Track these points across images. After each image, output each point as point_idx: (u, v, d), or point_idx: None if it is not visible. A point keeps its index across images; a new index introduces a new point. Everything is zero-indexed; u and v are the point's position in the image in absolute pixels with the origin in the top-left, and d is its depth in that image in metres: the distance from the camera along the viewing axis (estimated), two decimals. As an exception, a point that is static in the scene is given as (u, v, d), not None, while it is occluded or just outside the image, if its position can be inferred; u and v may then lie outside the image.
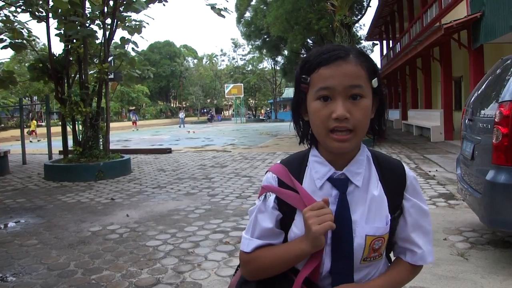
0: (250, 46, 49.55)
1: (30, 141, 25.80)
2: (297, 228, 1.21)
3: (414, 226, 1.25)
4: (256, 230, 1.25)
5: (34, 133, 26.90)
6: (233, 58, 74.65)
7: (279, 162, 1.33)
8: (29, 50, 13.65)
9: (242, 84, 60.77)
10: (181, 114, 49.66)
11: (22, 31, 10.30)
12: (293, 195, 1.22)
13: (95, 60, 11.19)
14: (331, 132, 1.13)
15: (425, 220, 1.27)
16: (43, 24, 10.77)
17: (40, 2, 9.91)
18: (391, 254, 1.36)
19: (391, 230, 1.23)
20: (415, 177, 1.30)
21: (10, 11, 10.46)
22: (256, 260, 1.24)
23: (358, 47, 27.53)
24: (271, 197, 1.25)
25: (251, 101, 74.25)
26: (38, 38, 13.88)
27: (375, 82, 1.17)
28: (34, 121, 28.99)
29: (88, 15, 10.45)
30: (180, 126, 44.19)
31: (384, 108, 1.25)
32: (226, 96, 66.06)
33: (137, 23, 10.86)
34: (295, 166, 1.29)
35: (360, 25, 38.33)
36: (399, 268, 1.28)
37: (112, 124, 42.59)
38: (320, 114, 1.14)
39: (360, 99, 1.13)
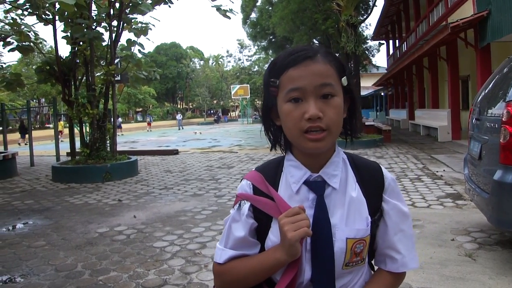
0: (256, 47, 49.53)
1: (62, 141, 25.93)
2: (274, 236, 1.16)
3: (395, 230, 1.21)
4: (230, 240, 1.22)
5: (61, 133, 27.07)
6: (239, 59, 74.74)
7: (254, 169, 1.30)
8: (36, 53, 13.77)
9: (248, 85, 60.71)
10: (179, 116, 49.85)
11: (29, 34, 10.37)
12: (269, 202, 1.18)
13: (101, 62, 11.25)
14: (305, 133, 1.10)
15: (406, 223, 1.23)
16: (50, 26, 10.86)
17: (47, 5, 9.97)
18: (373, 262, 1.32)
19: (372, 234, 1.19)
20: (393, 179, 1.26)
21: (17, 14, 10.54)
22: (229, 271, 1.20)
23: (364, 47, 27.46)
24: (246, 205, 1.21)
25: (257, 102, 74.26)
26: (45, 41, 14.04)
27: (344, 80, 1.15)
28: (62, 122, 28.99)
29: (95, 18, 10.50)
30: (179, 128, 44.40)
31: (355, 106, 1.23)
32: (232, 97, 66.09)
33: (143, 25, 10.90)
34: (271, 172, 1.26)
35: (366, 25, 38.15)
36: (382, 279, 1.24)
37: (124, 126, 43.49)
38: (292, 115, 1.11)
39: (331, 97, 1.10)
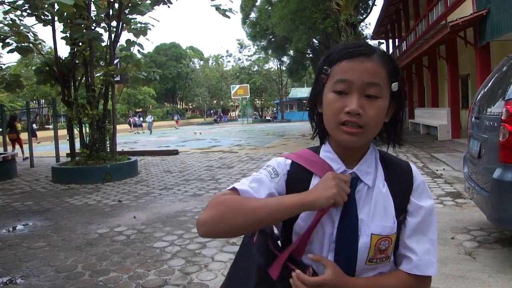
0: (255, 47, 49.59)
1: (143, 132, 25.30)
2: (302, 221, 1.16)
3: (416, 231, 1.19)
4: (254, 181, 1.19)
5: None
6: (239, 59, 74.82)
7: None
8: (35, 54, 13.74)
9: (248, 85, 60.77)
10: (149, 118, 41.91)
11: (28, 34, 10.37)
12: (313, 159, 1.22)
13: (101, 62, 11.24)
14: (341, 125, 1.11)
15: (430, 228, 1.20)
16: (49, 27, 10.86)
17: (46, 5, 9.96)
18: None
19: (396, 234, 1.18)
20: (423, 181, 1.25)
21: (16, 15, 10.53)
22: (237, 199, 1.12)
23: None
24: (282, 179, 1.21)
25: (257, 101, 74.29)
26: (44, 42, 13.99)
27: (395, 86, 1.15)
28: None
29: (94, 18, 10.50)
30: (150, 133, 37.72)
31: (401, 114, 1.23)
32: (232, 97, 66.13)
33: (143, 25, 10.90)
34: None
35: (366, 24, 38.21)
36: (391, 275, 1.20)
37: (162, 122, 44.86)
38: (333, 105, 1.12)
39: (376, 98, 1.11)
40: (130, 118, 45.49)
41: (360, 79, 1.10)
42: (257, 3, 34.72)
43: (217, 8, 10.77)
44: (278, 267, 1.13)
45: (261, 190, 1.16)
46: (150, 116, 44.74)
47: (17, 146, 15.85)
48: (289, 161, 1.24)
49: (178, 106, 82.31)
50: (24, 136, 15.97)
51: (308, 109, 1.28)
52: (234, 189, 1.15)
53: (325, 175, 1.14)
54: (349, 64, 1.11)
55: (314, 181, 1.19)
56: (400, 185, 1.22)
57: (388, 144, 1.28)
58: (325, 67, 1.16)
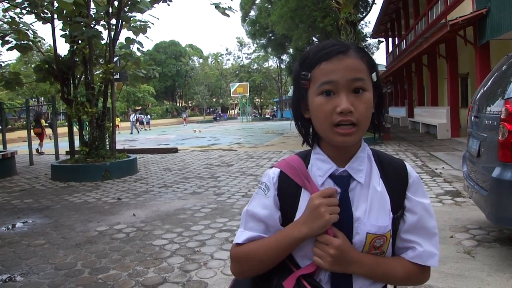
0: (255, 45, 49.54)
1: (119, 133, 25.80)
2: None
3: (417, 227, 1.20)
4: (249, 221, 1.23)
5: (118, 127, 27.24)
6: (239, 57, 74.95)
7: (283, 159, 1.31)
8: (35, 51, 13.71)
9: (247, 83, 60.83)
10: (132, 117, 38.78)
11: (28, 32, 10.35)
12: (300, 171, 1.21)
13: (100, 60, 11.23)
14: (335, 127, 1.11)
15: (429, 221, 1.21)
16: (49, 25, 10.84)
17: (45, 3, 9.95)
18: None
19: (393, 230, 1.19)
20: (418, 176, 1.26)
21: (15, 13, 10.52)
22: (248, 254, 1.20)
23: (363, 44, 27.37)
24: (271, 194, 1.23)
25: (256, 100, 74.32)
26: (44, 39, 13.96)
27: (374, 76, 1.16)
28: (118, 118, 29.22)
29: (93, 16, 10.49)
30: (131, 132, 34.95)
31: (383, 102, 1.24)
32: (231, 95, 66.16)
33: (142, 23, 10.88)
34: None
35: (366, 23, 38.23)
36: (395, 259, 1.22)
37: (161, 120, 45.52)
38: (324, 108, 1.12)
39: (362, 92, 1.12)
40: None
41: (345, 77, 1.10)
42: (257, 1, 34.69)
43: (217, 6, 10.76)
44: (292, 281, 1.15)
45: (259, 223, 1.22)
46: (133, 114, 41.30)
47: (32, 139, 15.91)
48: (277, 171, 1.25)
49: (178, 104, 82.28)
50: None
51: (293, 117, 1.27)
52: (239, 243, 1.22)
53: (310, 200, 1.13)
54: (329, 64, 1.12)
55: (304, 195, 1.19)
56: (396, 182, 1.22)
57: (375, 133, 1.29)
58: (304, 73, 1.16)
